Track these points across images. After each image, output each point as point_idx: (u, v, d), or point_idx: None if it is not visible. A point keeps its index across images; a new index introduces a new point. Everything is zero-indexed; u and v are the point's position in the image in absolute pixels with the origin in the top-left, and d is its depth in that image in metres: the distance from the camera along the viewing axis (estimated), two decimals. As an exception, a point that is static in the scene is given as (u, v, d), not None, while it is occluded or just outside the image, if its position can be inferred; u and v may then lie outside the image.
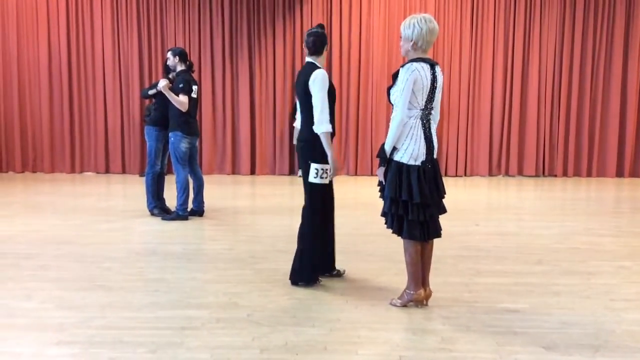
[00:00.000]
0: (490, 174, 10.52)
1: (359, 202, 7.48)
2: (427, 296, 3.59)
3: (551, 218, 6.65)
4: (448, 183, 9.75)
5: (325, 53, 3.96)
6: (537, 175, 10.44)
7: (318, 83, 3.75)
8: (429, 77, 3.33)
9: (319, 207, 3.90)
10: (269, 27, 10.34)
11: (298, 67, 10.11)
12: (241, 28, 10.33)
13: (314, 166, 3.82)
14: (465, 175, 10.51)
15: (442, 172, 10.47)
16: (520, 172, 10.52)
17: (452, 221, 6.27)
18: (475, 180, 10.14)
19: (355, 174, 10.31)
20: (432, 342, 3.08)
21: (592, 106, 10.37)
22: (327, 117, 3.75)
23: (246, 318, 3.39)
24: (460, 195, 8.59)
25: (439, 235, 3.53)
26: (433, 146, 3.42)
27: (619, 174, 10.44)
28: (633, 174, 10.42)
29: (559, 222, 6.36)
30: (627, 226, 6.20)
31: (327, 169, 3.82)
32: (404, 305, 3.58)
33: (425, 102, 3.36)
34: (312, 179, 3.84)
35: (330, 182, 4.02)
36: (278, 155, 10.45)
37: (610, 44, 10.24)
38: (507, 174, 10.53)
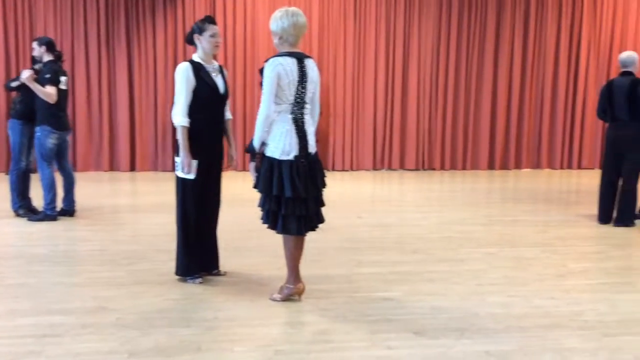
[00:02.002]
0: (375, 168, 10.83)
1: (244, 197, 7.40)
2: (301, 290, 3.59)
3: (429, 209, 6.96)
4: (334, 177, 9.97)
5: (208, 44, 3.77)
6: (417, 169, 10.89)
7: (177, 75, 3.69)
8: (296, 71, 3.33)
9: (190, 201, 3.79)
10: (149, 14, 9.91)
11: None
12: (118, 15, 9.82)
13: (177, 160, 3.75)
14: (351, 169, 10.74)
15: (329, 166, 10.63)
16: (402, 166, 10.92)
17: (337, 214, 6.36)
18: (360, 174, 10.40)
19: (243, 169, 10.20)
20: (309, 335, 3.09)
21: (466, 103, 10.98)
22: (182, 109, 3.67)
23: (115, 322, 3.22)
24: (346, 188, 8.76)
25: (314, 229, 3.54)
26: (307, 141, 3.41)
27: (491, 166, 11.14)
28: (503, 167, 11.17)
29: (435, 213, 6.66)
30: (497, 215, 6.62)
31: (192, 163, 3.74)
32: (285, 300, 3.56)
33: (295, 96, 3.36)
34: (177, 172, 3.77)
35: (216, 177, 3.94)
36: (160, 150, 10.05)
37: (482, 45, 10.87)
38: (390, 167, 10.89)
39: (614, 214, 5.94)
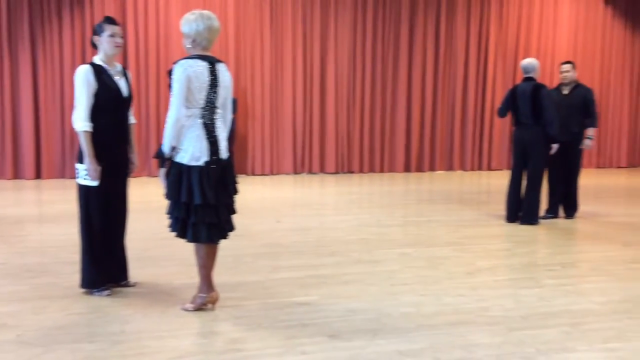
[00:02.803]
0: (295, 172, 10.85)
1: (156, 204, 7.16)
2: (215, 299, 3.51)
3: (348, 212, 7.03)
4: (254, 182, 9.90)
5: (108, 44, 3.62)
6: (337, 172, 11.01)
7: (77, 78, 3.53)
8: (207, 74, 3.26)
9: (95, 210, 3.62)
10: (54, 15, 9.42)
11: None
12: (22, 15, 9.28)
13: (79, 167, 3.59)
14: (271, 173, 10.69)
15: (248, 171, 10.54)
16: (322, 170, 11.01)
17: (255, 219, 6.31)
18: (280, 178, 10.38)
19: (156, 176, 9.91)
20: (221, 344, 3.02)
21: (382, 106, 11.22)
22: (83, 114, 3.52)
23: (16, 339, 3.01)
24: (266, 193, 8.71)
25: (225, 236, 3.47)
26: (218, 146, 3.34)
27: (407, 169, 11.45)
28: (418, 169, 11.50)
29: (354, 215, 6.74)
30: (412, 216, 6.79)
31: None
32: (197, 310, 3.47)
33: (206, 101, 3.28)
34: (79, 180, 3.61)
35: (122, 183, 3.78)
36: (68, 156, 9.56)
37: (397, 49, 11.15)
38: (310, 171, 10.95)
39: (521, 213, 6.25)
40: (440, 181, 10.18)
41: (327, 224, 6.26)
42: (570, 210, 6.58)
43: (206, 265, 3.41)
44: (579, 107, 6.36)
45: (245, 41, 10.35)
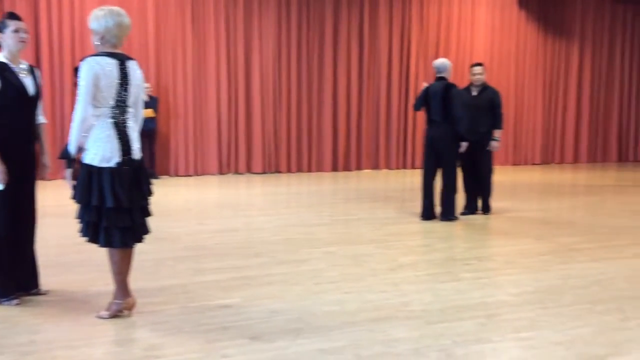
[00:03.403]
0: (221, 172, 10.70)
1: (68, 208, 6.87)
2: (131, 305, 3.39)
3: (275, 212, 6.99)
4: (178, 183, 9.68)
5: (12, 40, 3.42)
6: (264, 172, 10.96)
7: None
8: (116, 72, 3.13)
9: (1, 215, 3.40)
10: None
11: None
12: None
13: None
14: (196, 174, 10.49)
15: (171, 171, 10.30)
16: (249, 170, 10.92)
17: (178, 222, 6.16)
18: (205, 178, 10.20)
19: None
20: (138, 351, 2.91)
21: (309, 106, 11.27)
22: None
23: None
24: (190, 194, 8.53)
25: (140, 240, 3.35)
26: (130, 146, 3.22)
27: (334, 168, 11.56)
28: (346, 168, 11.64)
29: (279, 216, 6.71)
30: (338, 215, 6.85)
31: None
32: (113, 317, 3.33)
33: (116, 99, 3.16)
34: None
35: (30, 187, 3.57)
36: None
37: (322, 49, 11.24)
38: (237, 171, 10.83)
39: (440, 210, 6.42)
40: (367, 180, 10.34)
41: (253, 224, 6.20)
42: (485, 207, 6.77)
43: (121, 270, 3.28)
44: (486, 108, 6.51)
45: (166, 38, 10.10)
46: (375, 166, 11.89)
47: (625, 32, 13.66)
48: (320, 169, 11.41)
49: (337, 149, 11.52)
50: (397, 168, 12.02)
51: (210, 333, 3.15)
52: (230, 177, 10.45)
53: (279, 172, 11.08)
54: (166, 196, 7.89)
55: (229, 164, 10.76)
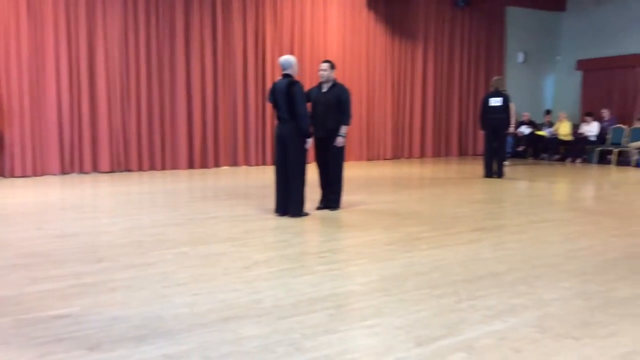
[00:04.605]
0: (64, 172, 9.92)
1: None
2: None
3: (123, 213, 6.61)
4: (14, 184, 8.82)
5: None
6: (113, 171, 10.35)
7: None
8: None
9: None
10: None
11: None
12: None
13: None
14: (34, 175, 9.63)
15: (6, 172, 9.36)
16: (95, 169, 10.25)
17: (12, 227, 5.60)
18: (45, 179, 9.40)
19: None
20: (-49, 376, 2.56)
21: (161, 102, 10.83)
22: None
23: None
24: (28, 197, 7.79)
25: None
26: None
27: (191, 165, 11.25)
28: (203, 165, 11.38)
29: (129, 217, 6.36)
30: (193, 214, 6.64)
31: None
32: None
33: None
34: None
35: None
36: None
37: (173, 43, 10.85)
38: (81, 171, 10.11)
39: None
40: (226, 177, 10.19)
41: (97, 227, 5.81)
42: (335, 202, 6.85)
43: None
44: (335, 104, 6.57)
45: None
46: (234, 163, 11.77)
47: (463, 35, 14.82)
48: (175, 166, 11.04)
49: (192, 146, 11.22)
50: (257, 165, 12.00)
51: (43, 346, 2.88)
52: (75, 177, 9.73)
53: (130, 170, 10.53)
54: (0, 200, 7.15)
55: (73, 163, 10.02)
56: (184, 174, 10.59)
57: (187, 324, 3.22)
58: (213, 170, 11.26)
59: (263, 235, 5.49)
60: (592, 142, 13.46)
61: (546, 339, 3.01)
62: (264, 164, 12.08)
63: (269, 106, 11.92)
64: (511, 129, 11.25)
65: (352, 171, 11.04)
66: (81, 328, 3.14)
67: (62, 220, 6.11)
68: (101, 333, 3.06)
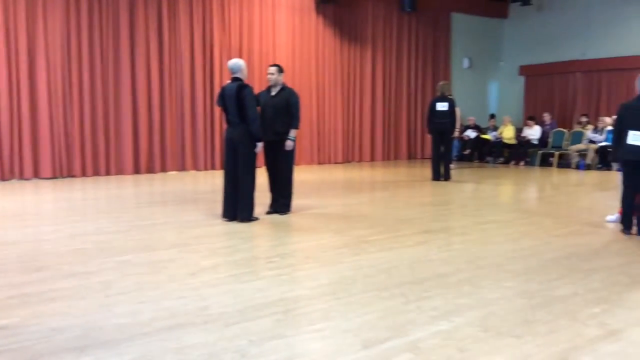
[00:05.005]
0: (3, 179, 9.52)
1: None
2: None
3: (63, 221, 6.39)
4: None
5: None
6: (55, 177, 10.01)
7: None
8: None
9: None
10: None
11: None
12: None
13: None
14: (-29, 182, 9.22)
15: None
16: (36, 175, 9.88)
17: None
18: (-16, 187, 8.99)
19: None
20: None
21: (105, 106, 10.54)
22: None
23: None
24: (-38, 205, 7.44)
25: None
26: None
27: (137, 170, 10.99)
28: (149, 170, 11.14)
29: (70, 224, 6.15)
30: (139, 220, 6.48)
31: None
32: None
33: None
34: None
35: None
36: None
37: (117, 46, 10.59)
38: (21, 177, 9.73)
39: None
40: (173, 182, 10.01)
41: (37, 235, 5.60)
42: (285, 206, 6.80)
43: None
44: (284, 108, 6.56)
45: None
46: (182, 167, 11.57)
47: (410, 40, 15.07)
48: (120, 171, 10.77)
49: (138, 150, 10.97)
50: (206, 169, 11.84)
51: (-27, 363, 2.74)
52: (15, 184, 9.36)
53: (73, 176, 10.21)
54: None
55: (12, 169, 9.64)
56: (129, 179, 10.34)
57: (130, 333, 3.13)
58: (160, 175, 11.04)
59: (211, 241, 5.41)
60: (535, 146, 13.91)
61: (489, 338, 3.08)
62: (213, 168, 11.92)
63: (217, 110, 11.77)
64: (456, 133, 11.52)
65: (303, 175, 11.04)
66: (19, 340, 3.01)
67: (1, 229, 5.85)
68: (40, 345, 2.94)
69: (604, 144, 12.14)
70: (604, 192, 9.02)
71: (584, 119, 13.94)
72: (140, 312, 3.45)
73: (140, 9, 10.75)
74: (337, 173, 12.10)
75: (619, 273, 4.34)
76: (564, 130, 13.83)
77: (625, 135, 5.64)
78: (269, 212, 6.78)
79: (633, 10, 13.74)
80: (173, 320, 3.33)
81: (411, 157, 15.50)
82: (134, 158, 10.93)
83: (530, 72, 16.23)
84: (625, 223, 5.77)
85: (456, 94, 13.72)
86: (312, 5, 13.25)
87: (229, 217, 6.31)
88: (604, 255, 4.93)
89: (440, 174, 10.38)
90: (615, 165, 6.82)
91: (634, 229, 5.74)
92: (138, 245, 5.23)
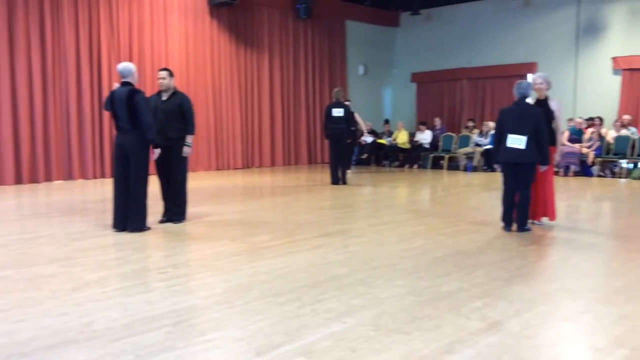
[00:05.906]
0: None
1: None
2: None
3: None
4: None
5: None
6: None
7: None
8: None
9: None
10: None
11: None
12: None
13: None
14: None
15: None
16: None
17: None
18: None
19: None
20: None
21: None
22: None
23: None
24: None
25: None
26: None
27: (18, 181, 10.24)
28: (32, 180, 10.41)
29: (-61, 240, 5.61)
30: (18, 233, 6.07)
31: None
32: None
33: None
34: None
35: None
36: None
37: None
38: None
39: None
40: (59, 192, 9.44)
41: None
42: (179, 215, 6.60)
43: None
44: (176, 113, 6.40)
45: None
46: (69, 176, 10.93)
47: (307, 46, 15.24)
48: (0, 182, 9.98)
49: (20, 159, 10.23)
50: (95, 177, 11.25)
51: None
52: None
53: (-55, 188, 9.34)
54: None
55: None
56: (10, 189, 9.62)
57: (6, 354, 2.89)
58: (44, 185, 10.37)
59: (98, 254, 5.13)
60: (426, 149, 14.55)
61: (379, 336, 3.15)
62: (102, 176, 11.34)
63: (107, 114, 11.22)
64: (364, 138, 11.79)
65: (200, 181, 10.81)
66: None
67: None
68: None
69: (488, 147, 12.92)
70: (489, 192, 9.59)
71: (470, 124, 14.79)
72: (18, 331, 3.20)
73: (20, 9, 10.05)
74: (237, 179, 11.97)
75: (501, 268, 4.62)
76: (453, 134, 14.57)
77: (504, 139, 6.03)
78: (162, 221, 6.56)
79: (515, 20, 14.76)
80: (54, 338, 3.11)
81: (312, 161, 15.66)
82: (15, 167, 10.18)
83: (421, 79, 16.98)
84: (506, 221, 6.16)
85: (353, 100, 14.06)
86: (206, 9, 13.03)
87: (119, 227, 6.02)
88: (487, 251, 5.23)
89: (339, 178, 10.57)
90: (497, 167, 7.27)
91: (514, 226, 6.14)
92: (18, 260, 4.86)
